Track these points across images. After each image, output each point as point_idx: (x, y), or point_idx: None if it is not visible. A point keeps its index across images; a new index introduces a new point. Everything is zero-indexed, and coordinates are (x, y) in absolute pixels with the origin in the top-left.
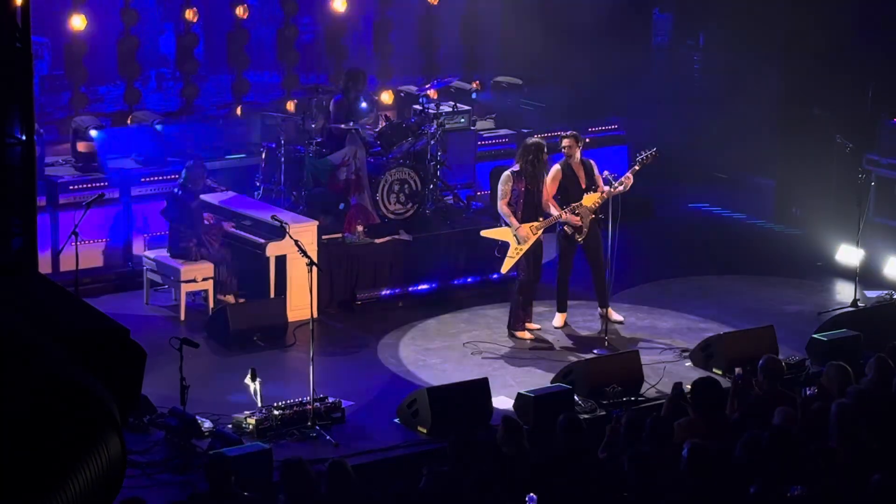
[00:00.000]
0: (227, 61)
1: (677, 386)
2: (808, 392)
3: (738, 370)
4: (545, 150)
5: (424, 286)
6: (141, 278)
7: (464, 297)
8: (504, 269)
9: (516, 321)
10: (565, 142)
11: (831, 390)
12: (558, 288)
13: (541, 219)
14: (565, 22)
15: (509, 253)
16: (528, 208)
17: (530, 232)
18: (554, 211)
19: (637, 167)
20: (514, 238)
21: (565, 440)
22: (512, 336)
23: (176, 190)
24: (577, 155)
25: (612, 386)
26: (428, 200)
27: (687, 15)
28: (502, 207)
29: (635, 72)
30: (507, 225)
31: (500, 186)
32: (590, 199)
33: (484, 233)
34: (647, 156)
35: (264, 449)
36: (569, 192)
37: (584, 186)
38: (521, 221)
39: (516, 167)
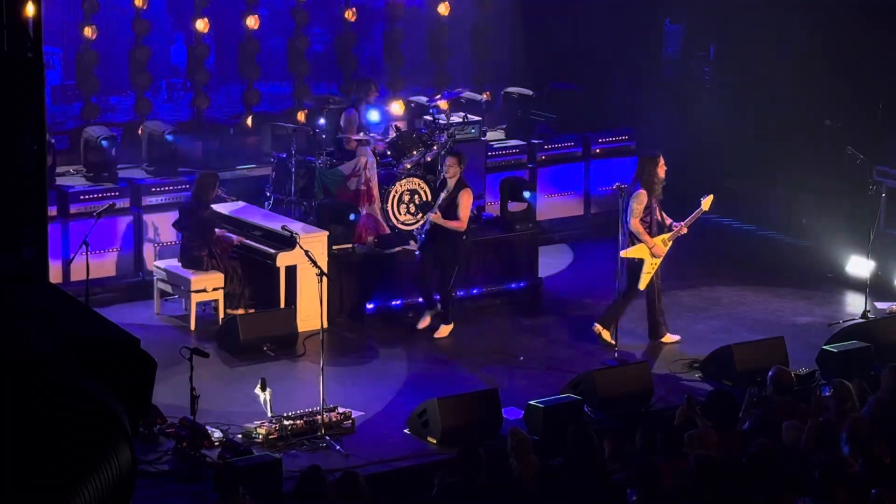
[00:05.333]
0: (238, 71)
1: (689, 398)
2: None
3: (752, 389)
4: (659, 162)
5: (434, 296)
6: (151, 288)
7: (474, 308)
8: (643, 286)
9: (660, 328)
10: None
11: (837, 407)
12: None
13: (665, 231)
14: (576, 32)
15: (645, 269)
16: (658, 222)
17: (662, 246)
18: (646, 236)
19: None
20: (650, 254)
21: (575, 451)
22: (660, 344)
23: (187, 200)
24: None
25: (622, 397)
26: None
27: (698, 26)
28: (636, 225)
29: (646, 82)
30: (639, 242)
31: (633, 204)
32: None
33: (623, 253)
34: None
35: (274, 459)
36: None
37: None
38: (652, 236)
39: (640, 183)
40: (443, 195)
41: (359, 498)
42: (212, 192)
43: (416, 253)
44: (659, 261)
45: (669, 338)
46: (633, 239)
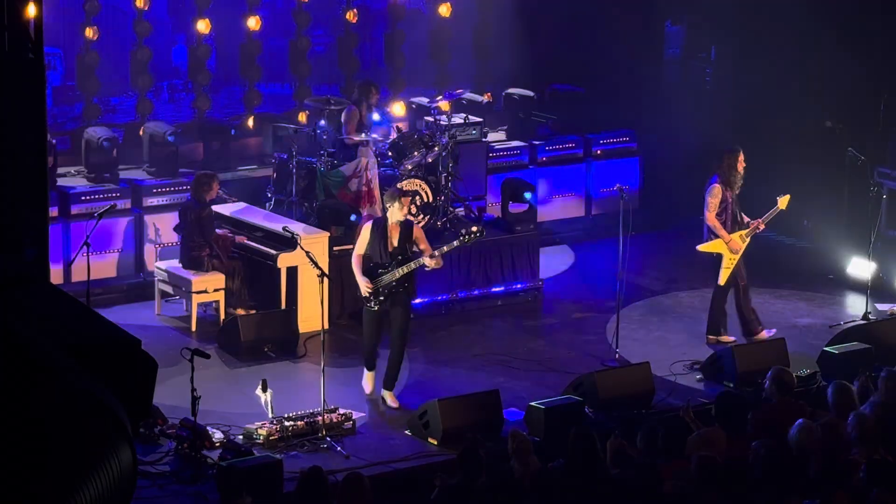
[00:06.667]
0: (240, 72)
1: (687, 403)
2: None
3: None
4: (738, 157)
5: (435, 298)
6: (152, 289)
7: (475, 309)
8: (722, 281)
9: (753, 325)
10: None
11: (838, 408)
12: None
13: (740, 227)
14: (577, 34)
15: (724, 264)
16: (733, 218)
17: (740, 241)
18: (723, 231)
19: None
20: (727, 249)
21: (576, 452)
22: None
23: (187, 201)
24: None
25: (623, 398)
26: (439, 212)
27: (699, 28)
28: (712, 220)
29: (647, 83)
30: (716, 237)
31: (708, 198)
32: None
33: (700, 247)
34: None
35: (275, 460)
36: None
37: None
38: (729, 231)
39: (716, 177)
40: (395, 238)
41: (363, 498)
42: (210, 191)
43: (374, 309)
44: (737, 257)
45: (763, 334)
46: (711, 234)
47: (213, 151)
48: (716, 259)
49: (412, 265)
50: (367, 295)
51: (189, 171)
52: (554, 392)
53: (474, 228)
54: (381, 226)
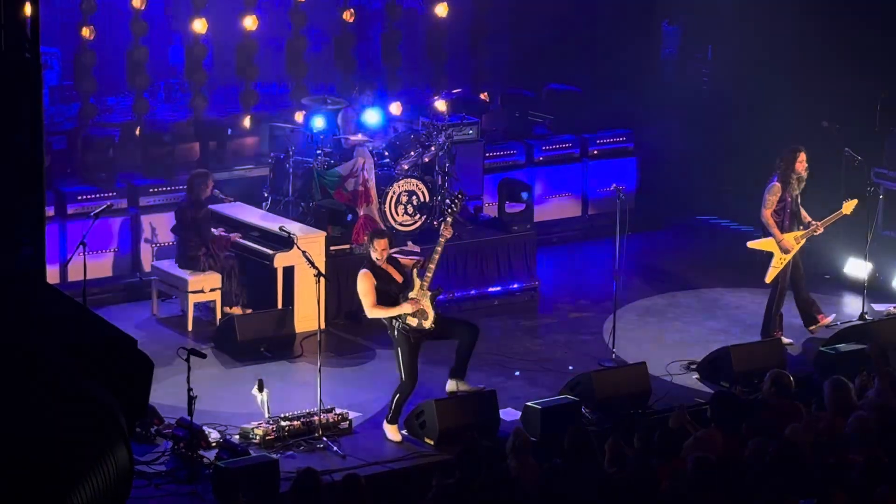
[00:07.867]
0: (236, 72)
1: (682, 406)
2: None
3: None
4: (797, 157)
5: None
6: (149, 289)
7: (471, 309)
8: (768, 279)
9: (773, 326)
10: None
11: (832, 407)
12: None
13: (801, 227)
14: (574, 33)
15: (773, 263)
16: (792, 217)
17: (794, 242)
18: (776, 229)
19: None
20: (779, 248)
21: (572, 451)
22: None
23: (182, 202)
24: None
25: (620, 398)
26: (436, 212)
27: (696, 28)
28: (767, 217)
29: (644, 84)
30: (770, 235)
31: (767, 196)
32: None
33: (750, 244)
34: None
35: (271, 460)
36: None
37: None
38: (785, 231)
39: (776, 176)
40: (394, 272)
41: (361, 500)
42: (205, 190)
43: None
44: (788, 257)
45: (782, 339)
46: (765, 232)
47: (209, 151)
48: (764, 257)
49: (438, 251)
50: (419, 314)
51: (185, 170)
52: (550, 392)
53: (457, 197)
54: (376, 269)
